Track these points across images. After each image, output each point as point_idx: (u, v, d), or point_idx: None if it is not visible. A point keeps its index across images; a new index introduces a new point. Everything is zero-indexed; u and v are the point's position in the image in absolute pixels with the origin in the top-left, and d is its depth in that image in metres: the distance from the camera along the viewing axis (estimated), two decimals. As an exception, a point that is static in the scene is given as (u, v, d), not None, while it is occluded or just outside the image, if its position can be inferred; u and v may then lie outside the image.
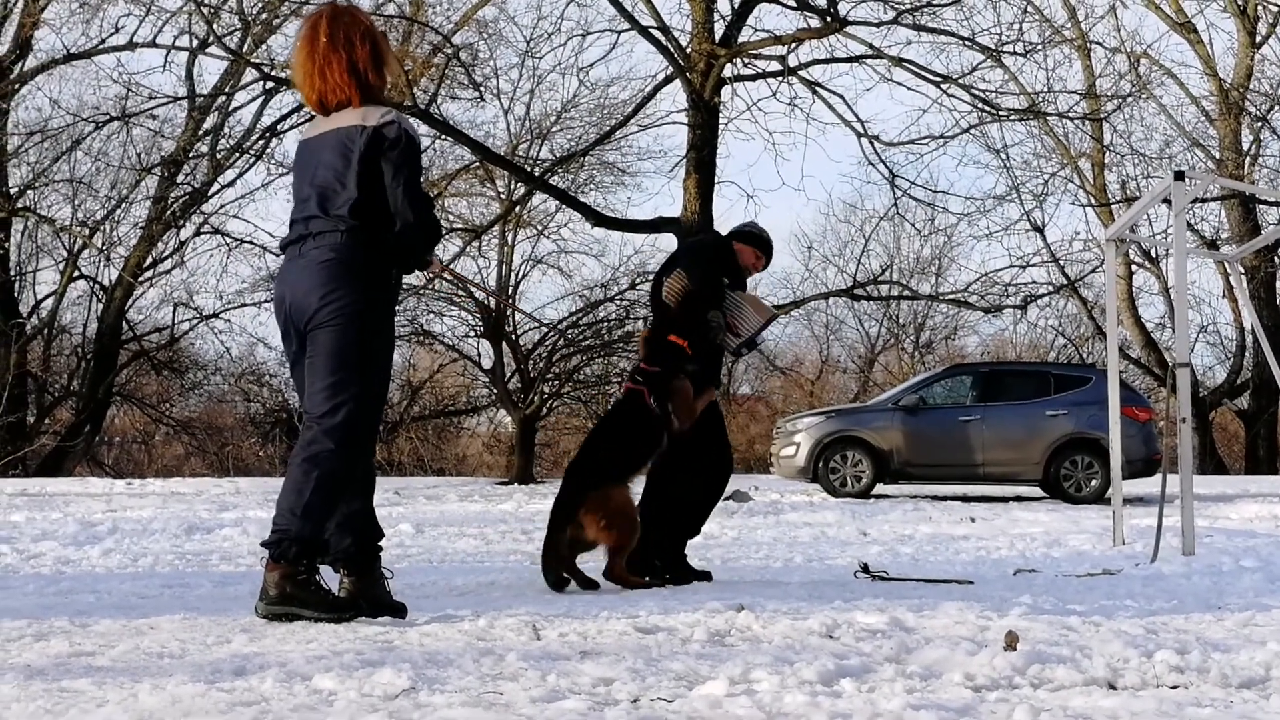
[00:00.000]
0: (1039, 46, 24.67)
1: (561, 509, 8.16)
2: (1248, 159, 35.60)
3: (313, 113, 6.58)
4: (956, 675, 4.61)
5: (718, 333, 8.96)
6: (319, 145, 6.32)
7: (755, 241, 9.37)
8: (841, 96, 22.67)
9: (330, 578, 6.33)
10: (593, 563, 8.28)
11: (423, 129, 22.20)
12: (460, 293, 29.51)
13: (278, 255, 33.03)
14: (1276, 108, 35.06)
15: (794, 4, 22.32)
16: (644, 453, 8.40)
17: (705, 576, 8.79)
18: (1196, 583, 8.57)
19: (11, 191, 32.71)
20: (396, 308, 6.62)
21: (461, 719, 3.74)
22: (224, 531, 13.60)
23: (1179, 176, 11.54)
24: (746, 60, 22.74)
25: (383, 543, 6.52)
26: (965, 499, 21.88)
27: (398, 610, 6.29)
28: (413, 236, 6.19)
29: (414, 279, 30.35)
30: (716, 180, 22.44)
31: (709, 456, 9.00)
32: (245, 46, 27.42)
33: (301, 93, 6.49)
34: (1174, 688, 4.52)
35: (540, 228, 34.33)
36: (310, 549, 6.07)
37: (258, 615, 6.12)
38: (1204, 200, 34.20)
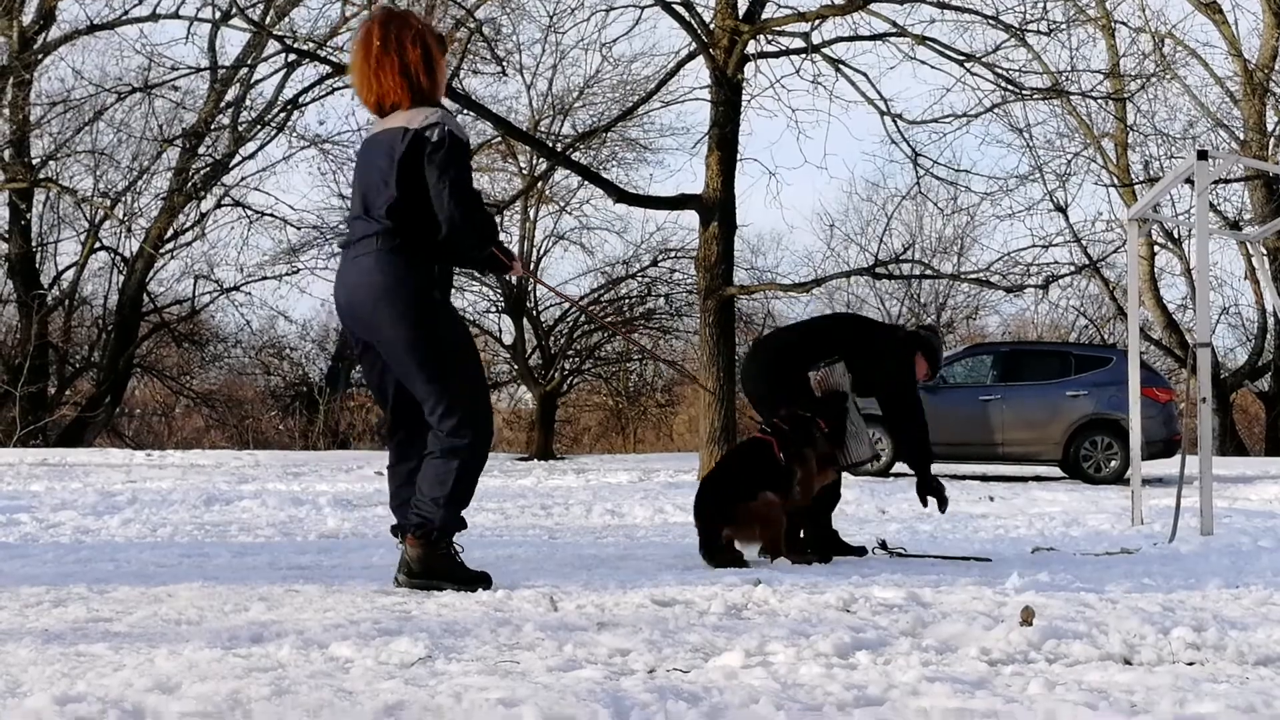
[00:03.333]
0: (1063, 25, 24.51)
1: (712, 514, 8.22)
2: (1272, 140, 35.43)
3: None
4: (972, 649, 4.61)
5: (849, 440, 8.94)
6: (372, 147, 6.43)
7: (933, 357, 9.29)
8: (865, 74, 22.51)
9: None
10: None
11: (445, 103, 22.12)
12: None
13: (298, 229, 33.11)
14: (1302, 89, 34.91)
15: (818, -20, 22.23)
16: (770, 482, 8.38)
17: (860, 551, 8.93)
18: (1214, 562, 8.56)
19: (34, 162, 32.76)
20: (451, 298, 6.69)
21: (477, 687, 3.75)
22: (243, 503, 13.64)
23: (1202, 156, 11.50)
24: (770, 37, 22.63)
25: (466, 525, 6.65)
26: (984, 479, 21.86)
27: (478, 580, 6.37)
28: (461, 238, 6.28)
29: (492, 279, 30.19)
30: (739, 157, 22.32)
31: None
32: (268, 19, 27.40)
33: (360, 96, 6.60)
34: (1190, 664, 4.52)
35: (562, 204, 34.37)
36: (449, 528, 6.31)
37: (396, 586, 6.30)
38: (1227, 181, 34.06)
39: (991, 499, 16.55)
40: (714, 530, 8.10)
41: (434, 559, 6.26)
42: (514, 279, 29.82)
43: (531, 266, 32.92)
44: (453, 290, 6.62)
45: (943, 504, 9.03)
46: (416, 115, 6.28)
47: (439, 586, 6.20)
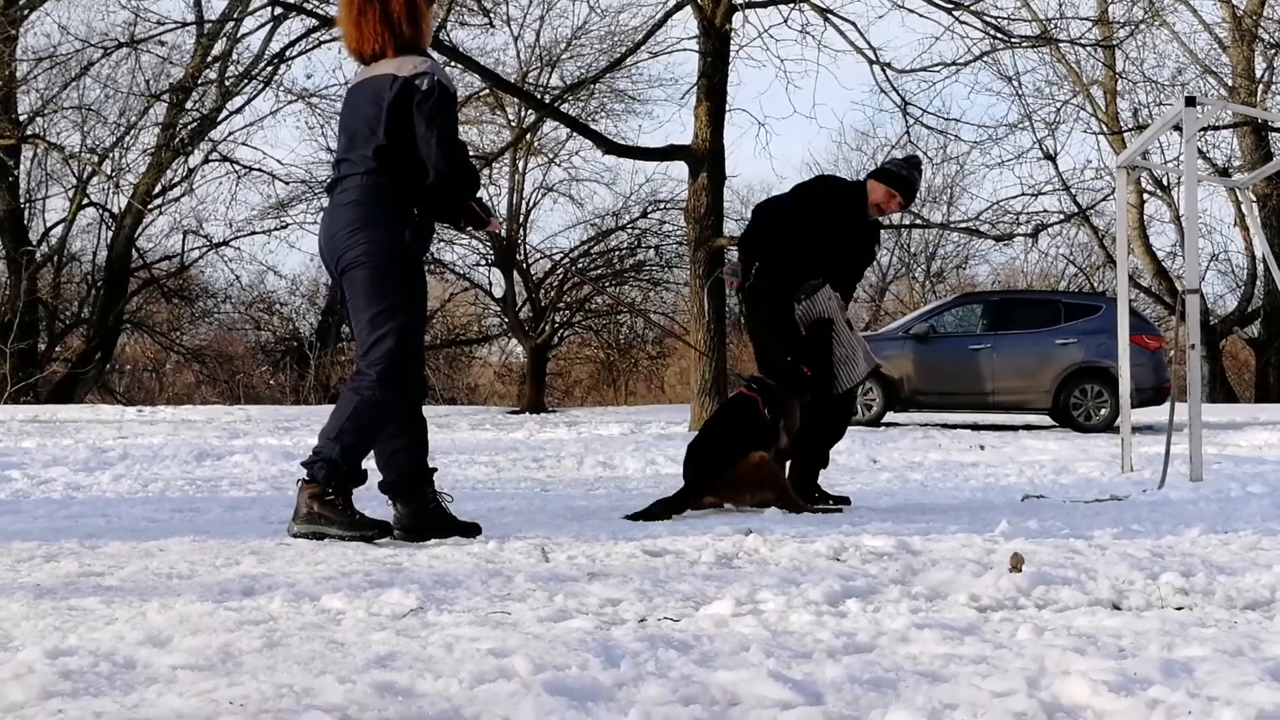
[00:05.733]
0: (1052, -28, 24.54)
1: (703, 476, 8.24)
2: (1260, 86, 35.41)
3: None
4: (961, 596, 4.62)
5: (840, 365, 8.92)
6: (357, 94, 6.45)
7: (888, 178, 9.17)
8: (853, 23, 22.46)
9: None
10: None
11: (432, 56, 22.04)
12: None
13: (286, 184, 33.01)
14: (1291, 35, 34.84)
15: (806, -71, 22.16)
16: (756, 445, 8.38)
17: (844, 501, 8.92)
18: (1203, 508, 8.59)
19: (21, 118, 32.62)
20: (428, 249, 6.71)
21: (468, 638, 3.76)
22: (234, 458, 13.66)
23: (1190, 102, 11.49)
24: (758, -14, 22.60)
25: (435, 470, 6.65)
26: (975, 427, 21.90)
27: (467, 530, 6.47)
28: (449, 187, 6.34)
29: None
30: (728, 108, 22.29)
31: (831, 393, 8.98)
32: (254, -28, 27.28)
33: (345, 45, 6.60)
34: (1179, 609, 4.54)
35: (551, 156, 34.31)
36: (338, 471, 6.26)
37: (289, 534, 6.30)
38: (1216, 127, 34.02)
39: (982, 448, 16.59)
40: (694, 496, 8.13)
41: (320, 502, 6.22)
42: (501, 230, 29.79)
43: (520, 219, 32.85)
44: (439, 243, 6.65)
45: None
46: (405, 63, 6.29)
47: (319, 535, 6.19)
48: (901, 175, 9.18)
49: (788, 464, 8.76)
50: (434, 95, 6.21)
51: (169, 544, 6.16)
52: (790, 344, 8.73)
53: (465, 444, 16.78)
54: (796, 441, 8.71)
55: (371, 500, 6.68)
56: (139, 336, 40.31)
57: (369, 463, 6.41)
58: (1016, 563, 5.21)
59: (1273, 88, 36.28)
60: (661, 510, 7.86)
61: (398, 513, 6.47)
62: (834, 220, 9.05)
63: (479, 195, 6.71)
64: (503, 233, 30.69)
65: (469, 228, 7.23)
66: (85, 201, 35.53)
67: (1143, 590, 4.79)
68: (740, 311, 9.31)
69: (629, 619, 4.22)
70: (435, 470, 6.60)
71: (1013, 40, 24.01)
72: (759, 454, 8.24)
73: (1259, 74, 35.58)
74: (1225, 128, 34.36)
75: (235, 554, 5.78)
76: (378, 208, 6.27)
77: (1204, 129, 28.59)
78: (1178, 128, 11.85)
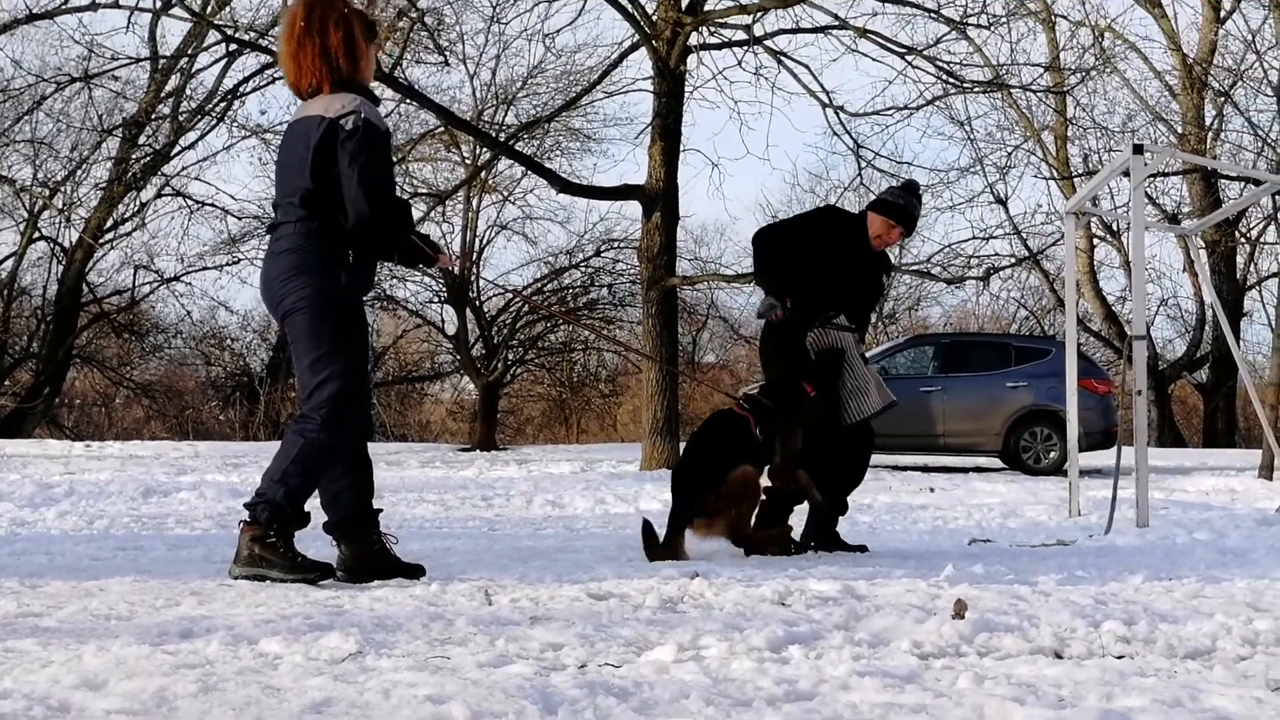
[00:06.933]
0: (1003, 19, 24.60)
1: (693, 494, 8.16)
2: (1209, 134, 35.70)
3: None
4: (904, 643, 4.62)
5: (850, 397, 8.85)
6: (293, 134, 6.44)
7: (886, 209, 9.05)
8: (807, 66, 22.56)
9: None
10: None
11: (387, 93, 22.10)
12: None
13: (239, 219, 32.86)
14: (1239, 83, 35.10)
15: (760, -28, 22.26)
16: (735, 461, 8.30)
17: (862, 549, 8.81)
18: (1148, 554, 8.62)
19: (-28, 152, 32.44)
20: (369, 289, 6.68)
21: (406, 683, 3.74)
22: (181, 495, 13.58)
23: (1138, 150, 11.57)
24: (712, 29, 22.64)
25: (380, 511, 6.61)
26: (925, 469, 21.96)
27: (410, 571, 6.44)
28: (369, 227, 6.23)
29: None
30: (682, 148, 22.35)
31: (848, 435, 8.92)
32: (209, 8, 27.25)
33: (285, 79, 6.60)
34: (1119, 658, 4.54)
35: (505, 193, 34.32)
36: (281, 513, 6.21)
37: (231, 576, 6.25)
38: (1165, 174, 34.27)
39: (932, 490, 16.63)
40: (681, 523, 8.06)
41: (261, 544, 6.18)
42: (454, 268, 29.75)
43: (474, 257, 32.84)
44: (391, 280, 6.64)
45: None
46: (334, 102, 6.27)
47: (260, 577, 6.15)
48: (899, 205, 9.06)
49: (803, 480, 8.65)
50: (358, 134, 6.17)
51: (110, 583, 6.11)
52: (797, 366, 8.65)
53: (414, 482, 16.72)
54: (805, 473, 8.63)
55: (316, 541, 6.64)
56: (88, 371, 40.05)
57: (313, 503, 6.37)
58: (960, 609, 5.21)
59: (1222, 135, 36.60)
60: (664, 553, 7.83)
61: (341, 554, 6.44)
62: (839, 250, 8.98)
63: (425, 233, 6.68)
64: (455, 270, 30.67)
65: (419, 266, 7.18)
66: (36, 235, 35.31)
67: (1084, 638, 4.79)
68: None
69: (569, 665, 4.20)
70: (380, 511, 6.57)
71: (965, 85, 24.16)
72: (746, 468, 8.17)
73: (1208, 121, 35.86)
74: (1174, 174, 34.62)
75: (176, 595, 5.74)
76: (311, 253, 6.24)
77: (1153, 176, 28.79)
78: (1127, 174, 11.93)
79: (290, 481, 6.22)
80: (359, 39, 6.42)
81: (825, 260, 8.89)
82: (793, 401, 8.43)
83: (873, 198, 9.47)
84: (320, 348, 6.23)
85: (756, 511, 8.32)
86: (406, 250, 6.64)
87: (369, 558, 6.41)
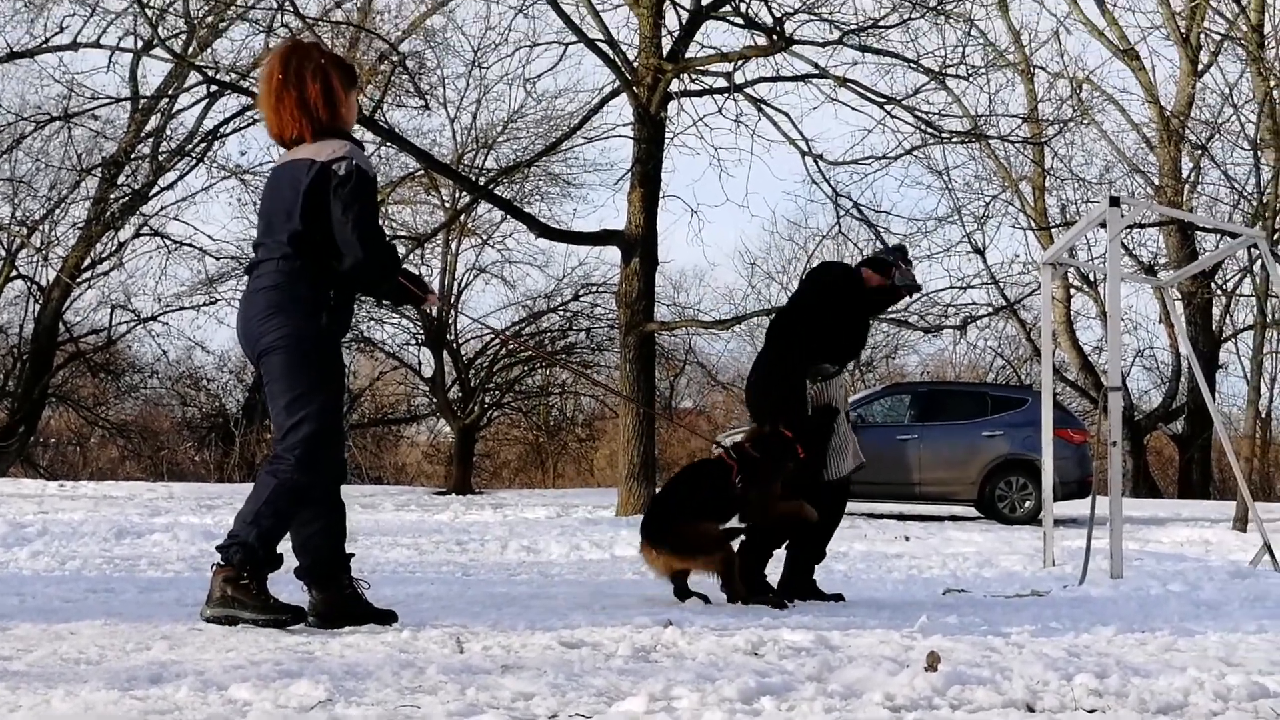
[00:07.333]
0: (982, 70, 24.71)
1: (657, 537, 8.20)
2: (1186, 186, 35.84)
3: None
4: (876, 695, 4.61)
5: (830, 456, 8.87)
6: (278, 178, 6.46)
7: (880, 267, 9.15)
8: (787, 114, 22.65)
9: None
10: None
11: (367, 136, 22.13)
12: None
13: (217, 259, 32.82)
14: (1216, 136, 35.28)
15: (741, 22, 22.31)
16: (713, 511, 8.32)
17: (838, 598, 8.79)
18: (1122, 606, 8.62)
19: (-50, 190, 32.37)
20: (348, 332, 6.69)
21: (376, 731, 3.72)
22: (154, 536, 13.51)
23: (1114, 202, 11.63)
24: (693, 76, 22.73)
25: (352, 556, 6.58)
26: (901, 518, 21.95)
27: (382, 617, 6.42)
28: (364, 271, 6.29)
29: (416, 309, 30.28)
30: (662, 194, 22.42)
31: (826, 485, 8.90)
32: (190, 49, 27.26)
33: (267, 129, 6.63)
34: (1091, 711, 4.54)
35: (484, 237, 34.32)
36: (253, 555, 6.18)
37: (202, 619, 6.22)
38: (1142, 226, 34.39)
39: (907, 539, 16.62)
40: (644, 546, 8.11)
41: (234, 586, 6.14)
42: (432, 310, 29.74)
43: (452, 300, 32.84)
44: (369, 321, 6.64)
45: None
46: (324, 147, 6.29)
47: (232, 620, 6.11)
48: (889, 263, 9.18)
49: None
50: (351, 180, 6.20)
51: (81, 626, 6.08)
52: (791, 419, 8.65)
53: (389, 525, 16.66)
54: (782, 529, 8.65)
55: (289, 585, 6.61)
56: (64, 410, 39.89)
57: (286, 544, 6.35)
58: (933, 661, 5.20)
59: (1199, 187, 36.74)
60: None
61: (313, 599, 6.41)
62: (845, 304, 9.04)
63: (416, 274, 6.69)
64: (433, 313, 30.64)
65: (405, 305, 7.21)
66: (13, 274, 35.20)
67: (1057, 691, 4.79)
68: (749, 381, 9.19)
69: (540, 714, 4.18)
70: (352, 556, 6.55)
71: (943, 135, 24.28)
72: (710, 524, 8.18)
73: (1185, 173, 36.00)
74: (1151, 226, 34.76)
75: (147, 638, 5.70)
76: (293, 292, 6.25)
77: (1129, 227, 28.91)
78: (1104, 225, 11.98)
79: (263, 523, 6.20)
80: (337, 88, 6.44)
81: (836, 311, 8.97)
82: (781, 458, 8.43)
83: (868, 255, 9.58)
84: (296, 388, 6.23)
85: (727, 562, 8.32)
86: (396, 290, 6.67)
87: (340, 603, 6.39)
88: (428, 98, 26.79)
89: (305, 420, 6.20)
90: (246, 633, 5.96)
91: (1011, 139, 27.63)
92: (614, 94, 23.98)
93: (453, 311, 32.57)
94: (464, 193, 28.79)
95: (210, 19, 26.54)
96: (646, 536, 8.15)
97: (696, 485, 8.43)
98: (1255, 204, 29.80)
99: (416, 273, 6.91)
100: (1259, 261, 20.61)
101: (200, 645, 5.54)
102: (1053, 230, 34.75)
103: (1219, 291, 36.69)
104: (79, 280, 34.13)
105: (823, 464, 8.79)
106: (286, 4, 21.49)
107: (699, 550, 8.14)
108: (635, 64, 22.23)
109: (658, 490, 8.57)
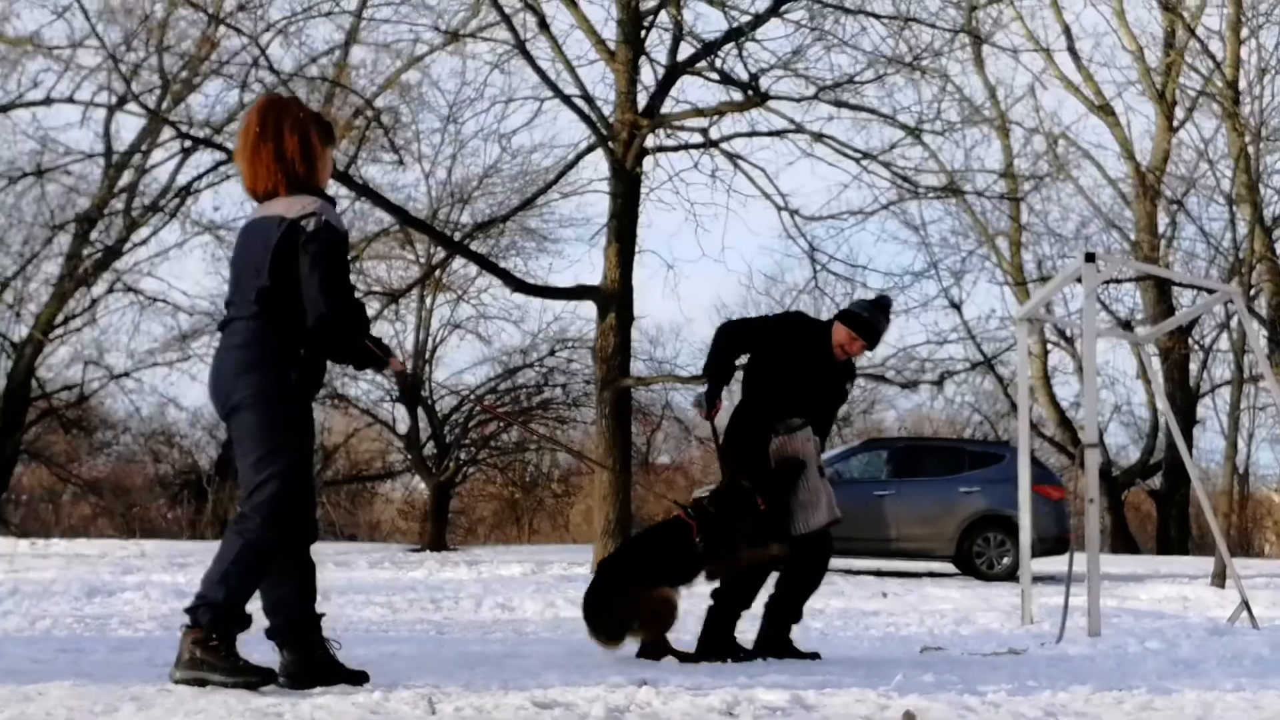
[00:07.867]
0: (958, 125, 24.75)
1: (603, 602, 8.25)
2: (1163, 241, 35.99)
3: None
4: (853, 756, 4.56)
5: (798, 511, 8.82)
6: (249, 234, 6.43)
7: (851, 321, 9.06)
8: (763, 170, 22.66)
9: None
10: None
11: (342, 191, 22.09)
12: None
13: (190, 315, 32.70)
14: (1192, 191, 35.47)
15: (717, 78, 22.36)
16: (674, 574, 8.29)
17: (814, 656, 8.76)
18: (1100, 664, 8.58)
19: (-78, 245, 32.26)
20: (319, 389, 6.64)
21: (344, 797, 3.65)
22: (126, 595, 13.43)
23: (1089, 258, 11.65)
24: (669, 131, 22.74)
25: (323, 615, 6.52)
26: (879, 574, 21.88)
27: (354, 678, 6.36)
28: (329, 328, 6.24)
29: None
30: (638, 249, 22.37)
31: (804, 542, 8.85)
32: (164, 105, 27.28)
33: (242, 182, 6.60)
34: (1071, 773, 4.49)
35: (459, 292, 34.25)
36: (222, 615, 6.12)
37: (171, 681, 6.14)
38: (1118, 281, 34.50)
39: (885, 595, 16.56)
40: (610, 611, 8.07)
41: (203, 648, 6.07)
42: (391, 376, 29.73)
43: (426, 355, 32.75)
44: (343, 378, 6.60)
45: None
46: (295, 204, 6.26)
47: (202, 681, 6.03)
48: (863, 319, 9.06)
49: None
50: (319, 236, 6.17)
51: (49, 687, 5.99)
52: (754, 474, 8.60)
53: (362, 583, 16.56)
54: (752, 581, 8.63)
55: (260, 645, 6.53)
56: (36, 466, 39.68)
57: (255, 604, 6.28)
58: (909, 721, 5.15)
59: (1175, 242, 36.91)
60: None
61: (283, 660, 6.34)
62: (802, 355, 8.96)
63: (377, 336, 6.65)
64: (408, 369, 30.58)
65: (367, 369, 7.16)
66: (-15, 330, 35.09)
67: (1036, 752, 4.74)
68: (712, 438, 9.16)
69: (513, 778, 4.12)
70: (323, 616, 6.48)
71: (920, 190, 24.33)
72: (664, 591, 8.15)
73: (1161, 229, 36.16)
74: (1127, 281, 34.88)
75: (115, 700, 5.63)
76: (262, 351, 6.21)
77: (1106, 283, 29.00)
78: (1080, 280, 11.99)
79: (231, 583, 6.12)
80: (315, 143, 6.43)
81: (788, 364, 8.90)
82: (740, 512, 8.38)
83: (844, 307, 9.49)
84: (264, 446, 6.18)
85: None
86: (360, 352, 6.59)
87: (311, 664, 6.32)
88: (402, 153, 26.84)
89: (271, 479, 6.15)
90: (216, 694, 5.88)
91: (988, 194, 27.70)
92: (590, 149, 23.99)
93: (427, 367, 32.52)
94: (439, 248, 28.79)
95: (184, 74, 26.56)
96: (585, 619, 8.21)
97: (646, 551, 8.42)
98: (1231, 259, 29.98)
99: (378, 335, 6.87)
100: (1235, 317, 20.67)
101: (169, 707, 5.46)
102: (1029, 285, 34.87)
103: (1196, 347, 36.78)
104: (52, 336, 34.04)
105: (788, 516, 8.72)
106: (261, 60, 21.51)
107: (631, 624, 8.15)
108: (611, 119, 22.25)
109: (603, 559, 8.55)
